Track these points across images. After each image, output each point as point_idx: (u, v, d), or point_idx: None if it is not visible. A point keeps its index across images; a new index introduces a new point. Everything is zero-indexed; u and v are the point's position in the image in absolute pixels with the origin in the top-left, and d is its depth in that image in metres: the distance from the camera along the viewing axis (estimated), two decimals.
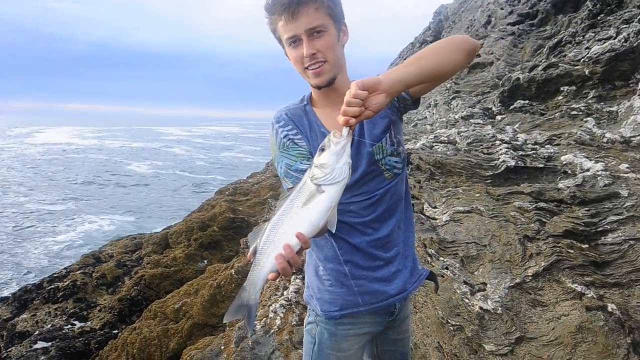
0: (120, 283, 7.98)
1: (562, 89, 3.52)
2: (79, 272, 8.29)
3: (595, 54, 3.30)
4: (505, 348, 2.19)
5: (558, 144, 2.98)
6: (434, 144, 3.66)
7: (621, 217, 2.23)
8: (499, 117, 3.93)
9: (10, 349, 6.21)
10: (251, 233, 1.19)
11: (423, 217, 3.17)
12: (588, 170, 2.56)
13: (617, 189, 2.35)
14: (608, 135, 2.75)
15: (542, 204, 2.53)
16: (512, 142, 3.12)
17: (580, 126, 2.99)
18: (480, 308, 2.35)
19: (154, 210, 23.00)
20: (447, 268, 2.68)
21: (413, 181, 3.55)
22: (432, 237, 2.89)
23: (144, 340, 5.25)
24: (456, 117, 4.43)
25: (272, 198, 8.73)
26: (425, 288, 2.81)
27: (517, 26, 5.44)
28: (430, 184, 3.42)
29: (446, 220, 2.96)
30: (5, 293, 9.65)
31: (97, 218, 20.63)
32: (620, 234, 2.18)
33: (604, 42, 3.32)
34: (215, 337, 4.29)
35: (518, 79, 3.89)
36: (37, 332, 6.59)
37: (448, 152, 3.42)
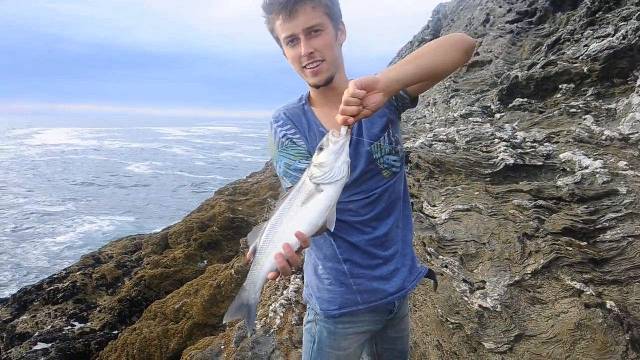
0: (120, 284, 7.98)
1: (560, 86, 3.52)
2: (78, 273, 8.29)
3: (593, 52, 3.30)
4: (505, 346, 2.19)
5: (557, 142, 2.99)
6: (433, 143, 3.66)
7: (620, 214, 2.23)
8: (497, 115, 3.94)
9: (10, 351, 6.22)
10: (250, 233, 1.19)
11: (422, 215, 3.18)
12: (587, 167, 2.56)
13: (616, 186, 2.35)
14: (607, 132, 2.75)
15: (541, 202, 2.53)
16: (511, 140, 3.12)
17: (579, 124, 2.99)
18: (480, 306, 2.35)
19: (154, 210, 23.00)
20: (446, 266, 2.69)
21: (412, 180, 3.55)
22: (431, 236, 2.89)
23: (144, 341, 5.25)
24: (455, 115, 4.44)
25: (271, 198, 8.73)
26: (424, 286, 2.81)
27: (515, 24, 5.44)
28: (429, 182, 3.42)
29: (445, 219, 2.96)
30: (5, 294, 9.64)
31: (97, 219, 20.64)
32: (618, 231, 2.19)
33: (602, 40, 3.32)
34: (215, 337, 4.29)
35: (517, 77, 3.89)
36: (37, 333, 6.59)
37: (447, 151, 3.43)
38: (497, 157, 2.97)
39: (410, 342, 2.63)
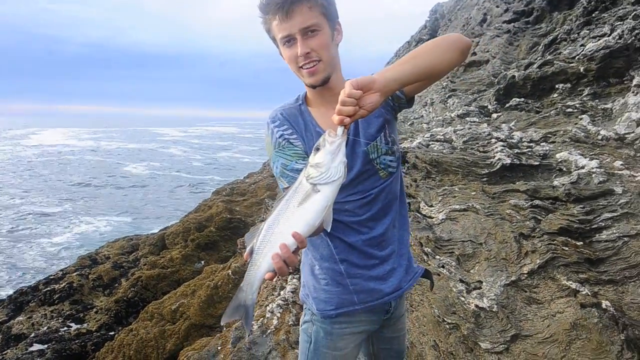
0: (116, 284, 7.96)
1: (557, 86, 3.53)
2: (75, 273, 8.26)
3: (590, 51, 3.31)
4: (501, 346, 2.20)
5: (553, 142, 3.00)
6: (430, 143, 3.67)
7: (615, 214, 2.24)
8: (494, 115, 3.94)
9: (5, 352, 6.18)
10: (248, 233, 1.19)
11: (419, 215, 3.18)
12: (583, 167, 2.57)
13: (612, 186, 2.36)
14: (603, 132, 2.76)
15: (537, 202, 2.54)
16: (507, 140, 3.13)
17: (575, 123, 3.00)
18: (476, 306, 2.36)
19: (151, 211, 22.94)
20: (443, 266, 2.69)
21: (409, 180, 3.56)
22: (428, 236, 2.90)
23: (140, 342, 5.23)
24: (452, 115, 4.44)
25: (269, 198, 8.73)
26: (421, 287, 2.81)
27: (512, 24, 5.45)
28: (426, 182, 3.43)
29: (442, 219, 2.96)
30: (1, 295, 9.60)
31: (94, 219, 20.57)
32: (614, 231, 2.20)
33: (599, 40, 3.33)
34: (212, 338, 4.28)
35: (513, 76, 3.90)
36: (33, 335, 6.56)
37: (444, 151, 3.43)
38: (494, 157, 2.97)
39: (407, 342, 2.63)
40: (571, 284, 2.14)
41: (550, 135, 3.06)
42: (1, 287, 11.60)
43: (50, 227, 19.07)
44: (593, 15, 3.88)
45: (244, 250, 1.18)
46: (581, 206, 2.33)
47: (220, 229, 8.55)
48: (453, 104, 4.73)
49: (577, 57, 3.42)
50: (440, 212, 3.02)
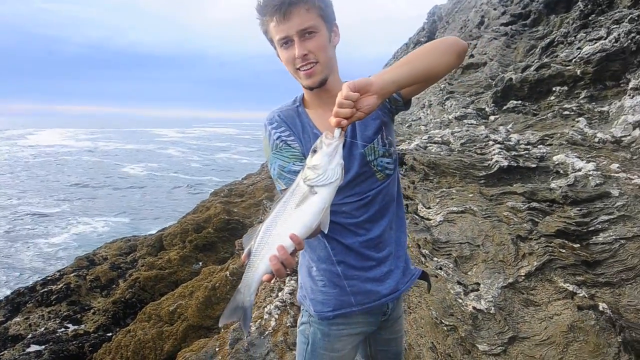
0: (114, 285, 7.94)
1: (554, 89, 3.54)
2: (72, 274, 8.23)
3: (586, 54, 3.33)
4: (499, 348, 2.20)
5: (550, 144, 3.01)
6: (428, 145, 3.68)
7: (612, 216, 2.25)
8: (492, 118, 3.96)
9: (3, 353, 6.16)
10: (245, 235, 1.19)
11: (417, 217, 3.18)
12: (580, 170, 2.58)
13: (608, 188, 2.37)
14: (599, 135, 2.78)
15: (534, 204, 2.55)
16: (505, 142, 3.14)
17: (572, 126, 3.02)
18: (474, 308, 2.36)
19: (149, 212, 22.90)
20: (440, 268, 2.69)
21: (407, 182, 3.56)
22: (426, 238, 2.90)
23: (138, 343, 5.22)
24: (450, 117, 4.45)
25: (267, 199, 8.72)
26: (419, 289, 2.82)
27: (510, 26, 5.47)
28: (424, 184, 3.43)
29: (440, 221, 2.97)
30: None
31: (92, 220, 20.51)
32: (611, 234, 2.20)
33: (595, 43, 3.35)
34: (210, 339, 4.27)
35: (511, 79, 3.91)
36: (30, 336, 6.53)
37: (442, 153, 3.44)
38: (492, 159, 2.98)
39: (405, 344, 2.63)
40: (568, 286, 2.15)
41: (547, 138, 3.07)
42: None
43: (47, 227, 19.01)
44: (590, 18, 3.90)
45: (242, 251, 1.19)
46: (578, 209, 2.34)
47: (218, 230, 8.55)
48: (451, 106, 4.74)
49: (574, 60, 3.43)
50: (438, 214, 3.02)
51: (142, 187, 30.50)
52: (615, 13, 3.60)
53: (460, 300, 2.46)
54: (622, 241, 2.16)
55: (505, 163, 2.88)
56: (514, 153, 2.98)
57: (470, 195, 2.94)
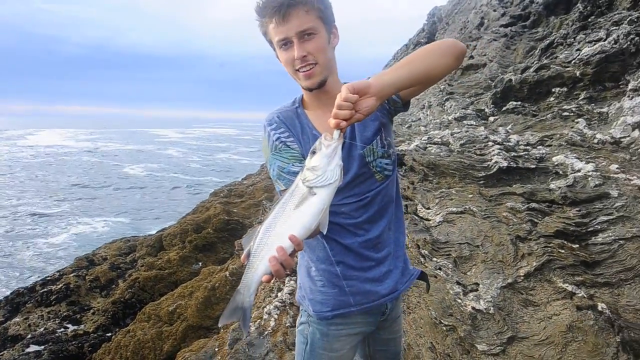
0: (114, 286, 7.94)
1: (553, 90, 3.55)
2: (72, 274, 8.24)
3: (585, 56, 3.33)
4: (497, 348, 2.20)
5: (550, 145, 3.01)
6: (428, 145, 3.68)
7: (611, 217, 2.26)
8: (491, 119, 3.96)
9: (2, 353, 6.17)
10: (245, 236, 1.20)
11: (417, 218, 3.19)
12: (579, 170, 2.59)
13: (608, 189, 2.37)
14: (599, 136, 2.78)
15: (533, 205, 2.55)
16: (504, 143, 3.14)
17: (572, 127, 3.02)
18: (473, 308, 2.37)
19: (148, 212, 22.90)
20: (440, 268, 2.70)
21: (407, 182, 3.57)
22: (425, 238, 2.91)
23: (137, 343, 5.23)
24: (449, 118, 4.46)
25: (267, 200, 8.72)
26: (418, 289, 2.82)
27: (509, 28, 5.48)
28: (423, 185, 3.44)
29: (439, 221, 2.97)
30: None
31: (92, 220, 20.52)
32: (610, 234, 2.21)
33: (595, 44, 3.36)
34: (210, 339, 4.28)
35: (510, 80, 3.92)
36: (29, 336, 6.54)
37: (441, 154, 3.44)
38: (491, 160, 2.99)
39: (404, 344, 2.64)
40: (567, 286, 2.15)
41: (546, 139, 3.08)
42: None
43: (47, 227, 19.02)
44: (589, 20, 3.91)
45: (242, 252, 1.19)
46: (577, 209, 2.35)
47: (218, 230, 8.56)
48: (450, 107, 4.75)
49: (574, 61, 3.44)
50: (438, 214, 3.03)
51: (142, 188, 30.51)
52: (615, 15, 3.61)
53: (460, 301, 2.46)
54: (621, 241, 2.16)
55: (505, 164, 2.89)
56: (513, 154, 2.98)
57: (470, 195, 2.95)
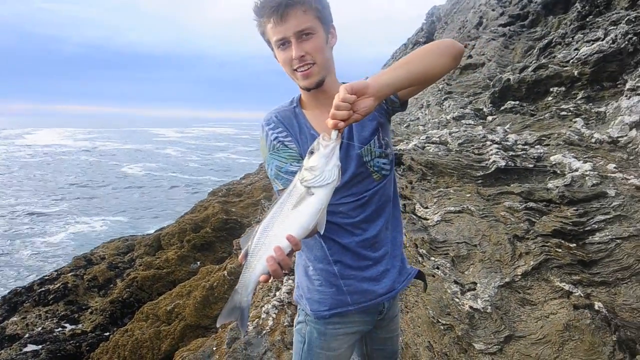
0: (112, 285, 7.93)
1: (551, 89, 3.56)
2: (70, 274, 8.23)
3: (584, 55, 3.34)
4: (495, 347, 2.21)
5: (547, 145, 3.02)
6: (426, 145, 3.69)
7: (608, 216, 2.27)
8: (489, 118, 3.97)
9: None
10: (243, 236, 1.20)
11: (415, 217, 3.19)
12: (577, 170, 2.60)
13: (605, 188, 2.38)
14: (596, 135, 2.79)
15: (531, 204, 2.56)
16: (502, 142, 3.15)
17: (570, 127, 3.03)
18: (470, 307, 2.37)
19: (147, 211, 22.87)
20: (438, 268, 2.70)
21: (405, 182, 3.57)
22: (423, 237, 2.91)
23: (135, 343, 5.22)
24: (448, 117, 4.47)
25: (265, 199, 8.72)
26: (416, 288, 2.83)
27: (508, 27, 5.49)
28: (421, 184, 3.44)
29: (437, 221, 2.98)
30: None
31: (90, 219, 20.48)
32: (607, 233, 2.22)
33: (593, 44, 3.37)
34: (208, 339, 4.28)
35: (509, 79, 3.93)
36: (27, 335, 6.53)
37: (440, 153, 3.45)
38: (489, 159, 2.99)
39: (401, 343, 2.64)
40: (564, 285, 2.16)
41: (544, 138, 3.09)
42: None
43: (45, 227, 18.97)
44: (587, 19, 3.92)
45: (240, 251, 1.19)
46: (575, 208, 2.36)
47: (216, 229, 8.55)
48: (449, 107, 4.75)
49: (572, 60, 3.45)
50: (435, 213, 3.03)
51: (140, 187, 30.46)
52: (613, 14, 3.62)
53: (457, 300, 2.47)
54: (618, 241, 2.17)
55: (503, 163, 2.89)
56: (511, 153, 2.99)
57: (468, 195, 2.95)
